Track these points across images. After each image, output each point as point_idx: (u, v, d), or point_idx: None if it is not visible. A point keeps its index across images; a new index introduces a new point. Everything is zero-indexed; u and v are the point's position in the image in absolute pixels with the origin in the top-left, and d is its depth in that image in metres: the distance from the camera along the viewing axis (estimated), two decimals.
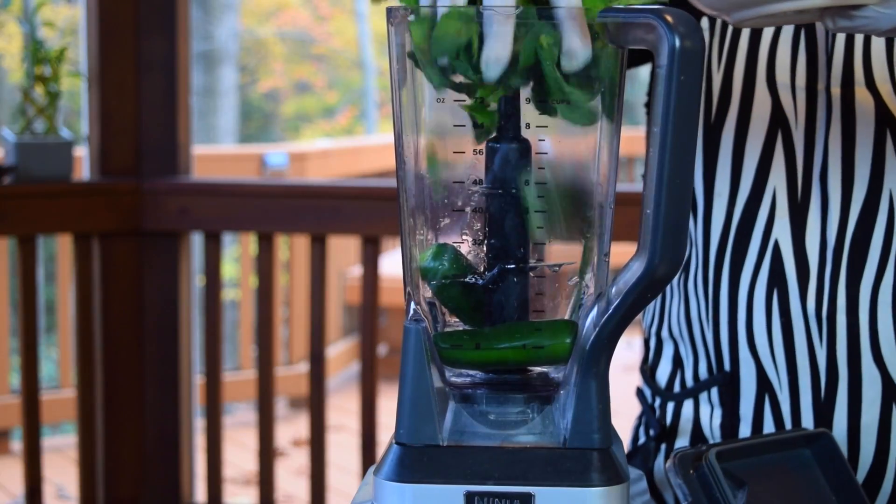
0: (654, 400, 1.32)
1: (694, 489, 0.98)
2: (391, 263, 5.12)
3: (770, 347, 1.19)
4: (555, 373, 0.88)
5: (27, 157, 2.50)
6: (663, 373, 1.31)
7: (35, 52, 2.49)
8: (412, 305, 0.87)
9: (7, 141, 2.54)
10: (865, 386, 1.16)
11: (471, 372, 0.88)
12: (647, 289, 0.81)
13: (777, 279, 1.18)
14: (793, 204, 1.17)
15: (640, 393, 1.36)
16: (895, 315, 1.15)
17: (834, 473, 1.06)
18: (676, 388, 1.29)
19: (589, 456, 0.83)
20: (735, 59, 1.20)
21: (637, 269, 0.80)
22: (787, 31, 1.19)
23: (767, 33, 1.19)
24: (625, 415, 1.39)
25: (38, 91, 2.53)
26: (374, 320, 2.62)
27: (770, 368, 1.19)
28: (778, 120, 1.18)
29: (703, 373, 1.26)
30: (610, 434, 0.85)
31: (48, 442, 4.21)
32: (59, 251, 4.30)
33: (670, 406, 1.29)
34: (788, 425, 1.19)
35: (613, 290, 0.82)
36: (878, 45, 1.15)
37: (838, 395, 1.17)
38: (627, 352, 5.09)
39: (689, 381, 1.27)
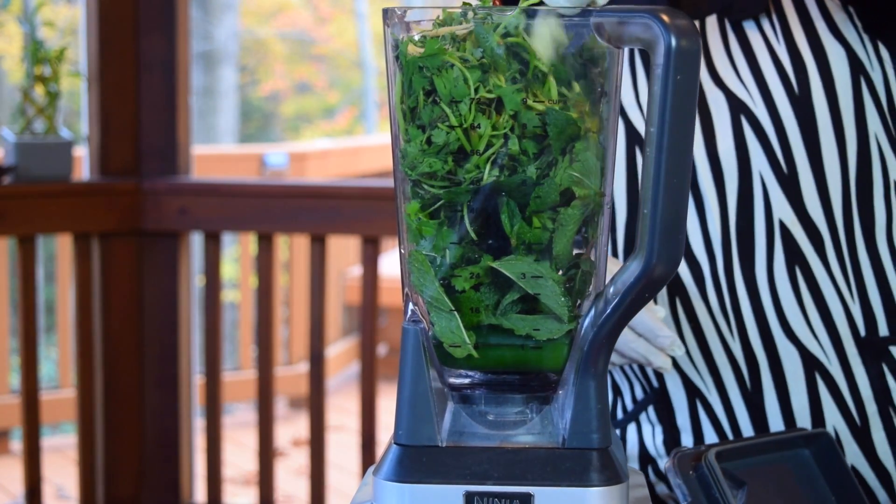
0: None
1: (693, 489, 0.98)
2: (391, 263, 5.12)
3: (688, 354, 1.21)
4: (553, 373, 0.88)
5: (27, 157, 2.50)
6: None
7: (35, 52, 2.49)
8: (410, 306, 0.87)
9: (7, 141, 2.54)
10: (786, 364, 1.18)
11: (469, 372, 0.88)
12: (645, 288, 0.81)
13: (674, 287, 1.20)
14: None
15: None
16: (794, 291, 1.17)
17: (833, 473, 1.07)
18: (619, 414, 1.31)
19: (588, 456, 0.83)
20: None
21: (634, 268, 0.80)
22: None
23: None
24: None
25: (38, 91, 2.53)
26: (373, 320, 2.63)
27: (693, 374, 1.21)
28: (634, 138, 1.21)
29: (638, 394, 1.28)
30: (609, 434, 0.85)
31: (48, 442, 4.21)
32: (59, 251, 4.29)
33: (615, 434, 1.30)
34: (725, 425, 1.21)
35: (611, 290, 0.82)
36: (714, 44, 1.18)
37: (763, 381, 1.19)
38: None
39: (629, 404, 1.29)
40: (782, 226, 1.17)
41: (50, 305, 5.29)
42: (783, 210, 1.17)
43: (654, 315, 1.12)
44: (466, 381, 0.88)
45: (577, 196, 0.84)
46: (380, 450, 2.55)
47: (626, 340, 1.11)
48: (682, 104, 0.77)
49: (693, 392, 1.22)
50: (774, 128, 1.16)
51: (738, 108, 1.17)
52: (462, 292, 0.85)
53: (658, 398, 1.25)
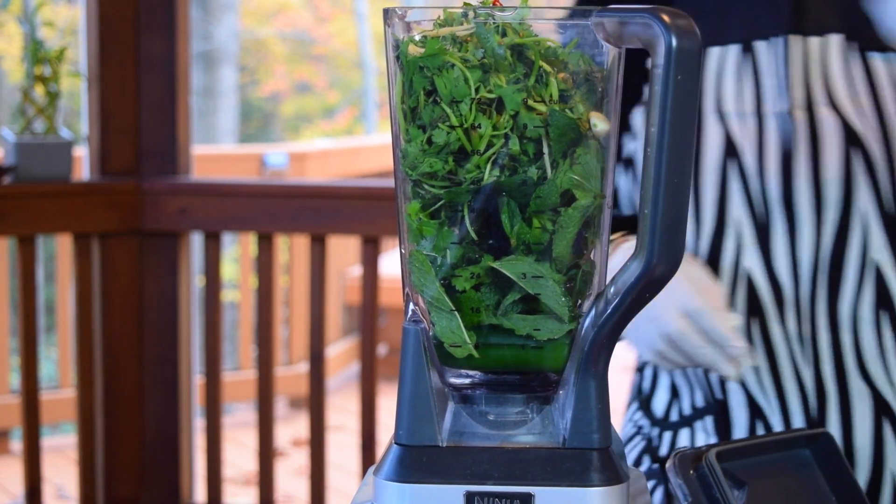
0: (651, 429, 1.32)
1: (694, 489, 0.98)
2: (391, 263, 5.12)
3: (756, 374, 1.19)
4: (554, 373, 0.88)
5: (27, 157, 2.50)
6: (660, 402, 1.31)
7: (35, 52, 2.49)
8: (411, 306, 0.87)
9: (7, 141, 2.54)
10: (855, 402, 1.17)
11: (470, 372, 0.88)
12: (646, 288, 0.81)
13: (754, 308, 1.19)
14: (757, 231, 1.18)
15: (636, 426, 1.35)
16: (877, 333, 1.15)
17: (833, 473, 1.06)
18: (674, 416, 1.29)
19: (588, 456, 0.83)
20: None
21: (635, 268, 0.80)
22: (731, 62, 1.19)
23: (713, 66, 1.20)
24: (625, 415, 1.40)
25: (38, 91, 2.53)
26: (373, 320, 2.62)
27: (758, 394, 1.20)
28: (729, 149, 1.19)
29: (699, 401, 1.26)
30: (609, 434, 0.85)
31: (48, 442, 4.20)
32: (59, 251, 4.29)
33: (667, 435, 1.29)
34: None
35: (612, 290, 0.82)
36: (836, 64, 1.16)
37: (829, 414, 1.17)
38: (627, 352, 5.09)
39: (686, 410, 1.28)
40: (878, 268, 1.16)
41: (50, 305, 5.29)
42: (881, 252, 1.15)
43: (728, 323, 1.10)
44: (467, 381, 0.88)
45: (577, 198, 0.84)
46: (380, 450, 2.55)
47: (695, 345, 1.10)
48: (682, 104, 0.77)
49: (756, 412, 1.21)
50: (888, 169, 1.14)
51: (851, 139, 1.15)
52: (463, 292, 0.85)
53: (718, 410, 1.23)
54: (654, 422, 1.31)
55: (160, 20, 2.61)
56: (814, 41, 1.17)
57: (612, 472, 0.83)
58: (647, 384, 1.34)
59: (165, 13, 2.61)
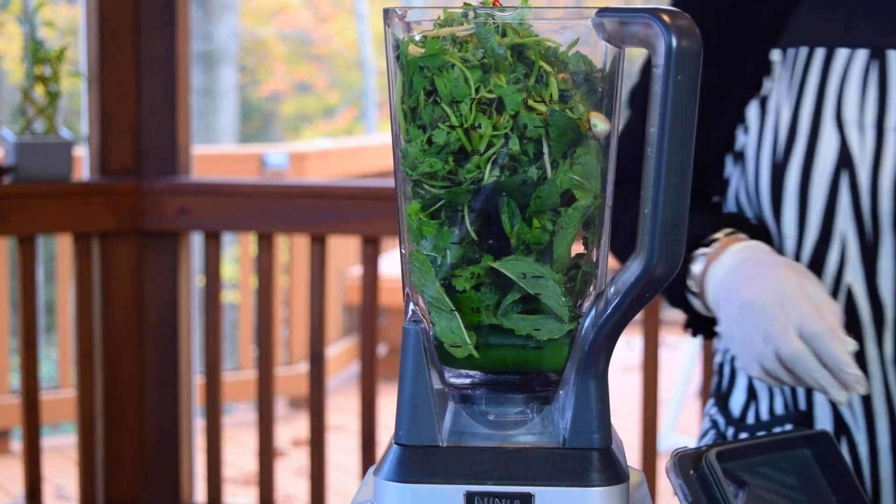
0: (726, 428, 1.31)
1: (694, 489, 0.98)
2: (391, 263, 5.12)
3: None
4: (554, 373, 0.87)
5: (27, 157, 2.50)
6: (737, 402, 1.30)
7: (35, 52, 2.49)
8: (411, 306, 0.87)
9: (7, 141, 2.54)
10: None
11: (470, 372, 0.88)
12: (646, 288, 0.81)
13: (852, 323, 1.17)
14: (863, 248, 1.16)
15: (711, 420, 1.34)
16: None
17: (834, 473, 1.06)
18: (750, 419, 1.28)
19: (588, 456, 0.83)
20: (804, 94, 1.19)
21: (635, 268, 0.80)
22: (858, 67, 1.17)
23: (837, 69, 1.18)
24: (625, 415, 1.40)
25: (38, 91, 2.53)
26: (374, 320, 2.62)
27: (846, 411, 1.19)
28: (844, 158, 1.16)
29: (778, 408, 1.25)
30: (609, 434, 0.85)
31: (48, 442, 4.20)
32: (59, 251, 4.30)
33: (742, 437, 1.28)
34: (866, 468, 1.19)
35: (612, 289, 0.82)
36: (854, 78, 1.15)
37: None
38: (627, 352, 5.09)
39: (764, 415, 1.26)
40: None
41: (50, 305, 5.29)
42: None
43: (844, 347, 1.07)
44: (467, 381, 0.88)
45: (577, 198, 0.84)
46: (380, 450, 2.55)
47: (809, 369, 1.07)
48: (682, 104, 0.77)
49: (841, 428, 1.20)
50: None
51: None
52: (463, 292, 0.85)
53: (801, 420, 1.22)
54: (730, 420, 1.30)
55: (160, 20, 2.61)
56: None
57: (613, 472, 0.83)
58: (725, 382, 1.33)
59: (165, 13, 2.61)
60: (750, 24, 1.23)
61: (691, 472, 0.99)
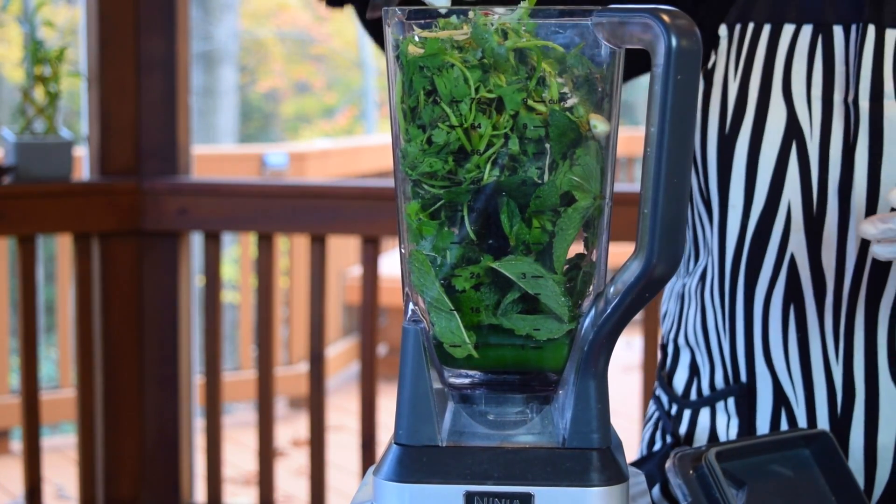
0: (670, 406, 1.32)
1: (693, 489, 0.98)
2: (391, 263, 5.12)
3: (786, 362, 1.18)
4: (553, 373, 0.87)
5: (27, 157, 2.50)
6: (680, 380, 1.31)
7: (35, 52, 2.49)
8: (410, 306, 0.87)
9: (7, 141, 2.54)
10: (883, 404, 1.16)
11: (470, 372, 0.88)
12: (645, 288, 0.81)
13: (794, 294, 1.17)
14: (808, 218, 1.16)
15: (656, 399, 1.35)
16: None
17: (833, 473, 1.06)
18: (693, 395, 1.28)
19: (588, 456, 0.83)
20: (752, 68, 1.19)
21: (635, 268, 0.80)
22: (804, 42, 1.18)
23: (784, 44, 1.19)
24: (625, 415, 1.40)
25: (38, 91, 2.53)
26: (374, 320, 2.62)
27: (786, 382, 1.19)
28: (792, 131, 1.17)
29: (719, 382, 1.25)
30: (609, 433, 0.85)
31: (48, 442, 4.21)
32: (59, 251, 4.29)
33: (686, 413, 1.28)
34: None
35: (612, 289, 0.82)
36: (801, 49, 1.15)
37: (855, 412, 1.16)
38: (627, 352, 5.09)
39: (706, 390, 1.27)
40: None
41: (50, 305, 5.29)
42: None
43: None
44: (467, 380, 0.88)
45: (577, 199, 0.84)
46: (380, 450, 2.55)
47: None
48: (682, 104, 0.77)
49: (781, 398, 1.20)
50: None
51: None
52: (462, 292, 0.85)
53: (742, 393, 1.22)
54: (673, 397, 1.31)
55: (160, 20, 2.61)
56: (891, 33, 1.16)
57: (612, 472, 0.83)
58: (669, 361, 1.33)
59: (165, 13, 2.61)
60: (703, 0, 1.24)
61: (691, 472, 0.99)
